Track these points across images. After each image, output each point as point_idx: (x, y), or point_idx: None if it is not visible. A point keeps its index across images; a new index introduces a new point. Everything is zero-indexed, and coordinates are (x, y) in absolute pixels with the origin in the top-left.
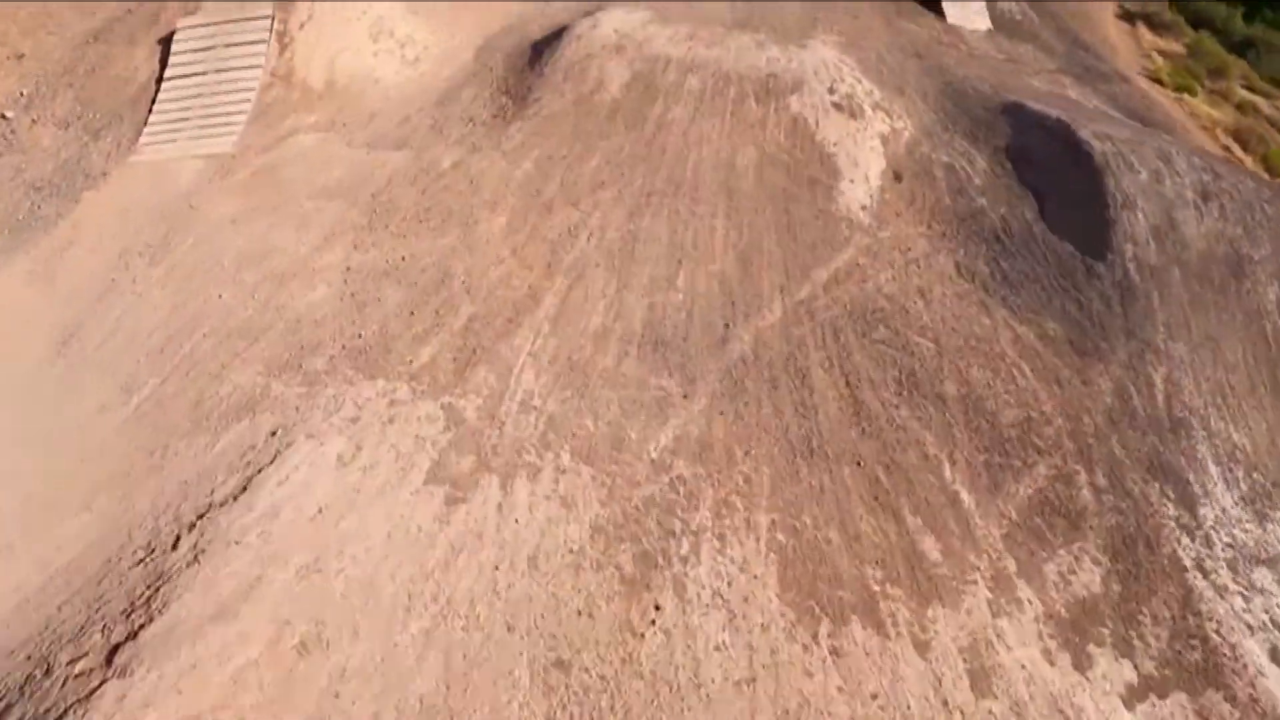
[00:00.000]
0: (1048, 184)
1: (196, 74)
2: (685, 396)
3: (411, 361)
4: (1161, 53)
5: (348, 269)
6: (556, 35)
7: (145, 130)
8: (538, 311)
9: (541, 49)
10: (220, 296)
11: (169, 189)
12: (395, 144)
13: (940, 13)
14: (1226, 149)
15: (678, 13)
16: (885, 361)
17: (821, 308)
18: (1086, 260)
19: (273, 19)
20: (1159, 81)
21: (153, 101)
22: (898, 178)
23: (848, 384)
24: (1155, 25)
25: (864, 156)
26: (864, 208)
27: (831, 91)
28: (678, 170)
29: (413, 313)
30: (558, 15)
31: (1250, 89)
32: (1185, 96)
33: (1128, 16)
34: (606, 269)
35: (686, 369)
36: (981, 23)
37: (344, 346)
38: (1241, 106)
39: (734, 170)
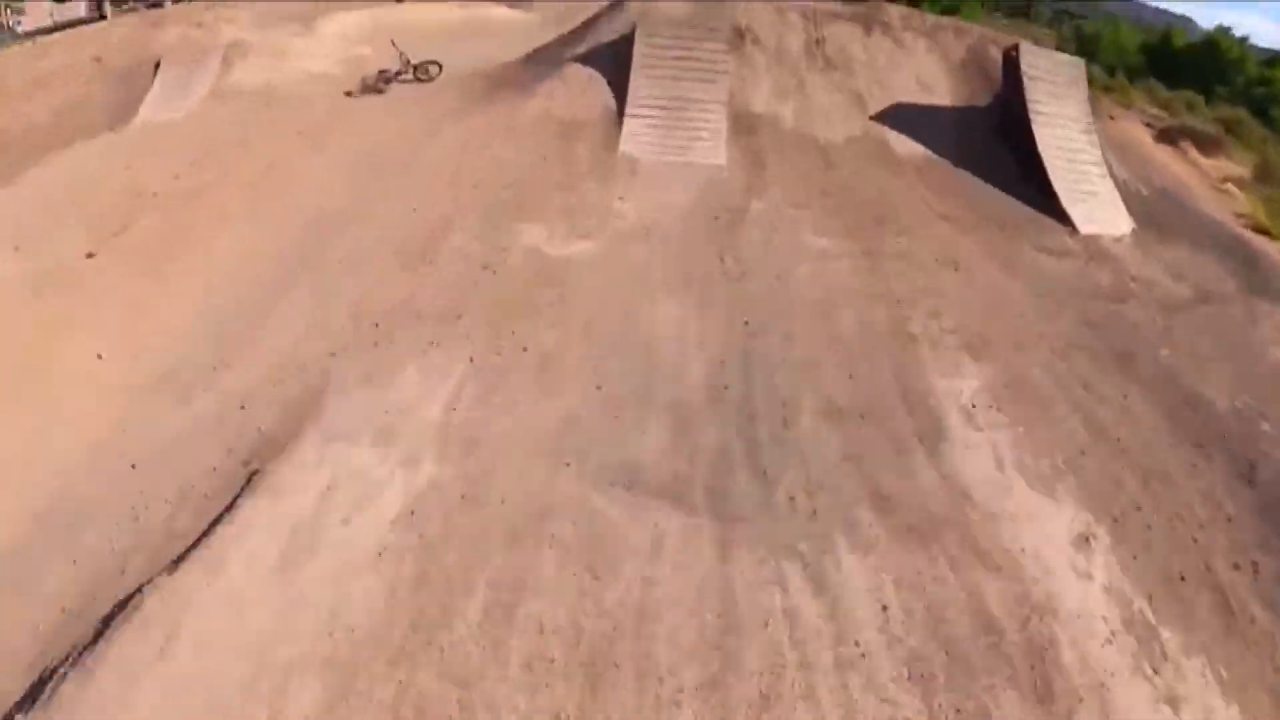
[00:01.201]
0: None
1: None
2: None
3: None
4: (1228, 179)
5: None
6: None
7: None
8: None
9: None
10: None
11: None
12: None
13: (1063, 218)
14: None
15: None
16: None
17: None
18: None
19: None
20: (1265, 232)
21: None
22: None
23: None
24: (1202, 143)
25: None
26: None
27: None
28: None
29: None
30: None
31: None
32: None
33: (1166, 136)
34: None
35: None
36: (1124, 223)
37: None
38: None
39: None
